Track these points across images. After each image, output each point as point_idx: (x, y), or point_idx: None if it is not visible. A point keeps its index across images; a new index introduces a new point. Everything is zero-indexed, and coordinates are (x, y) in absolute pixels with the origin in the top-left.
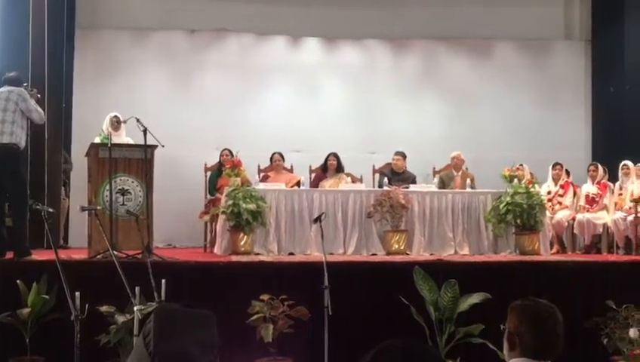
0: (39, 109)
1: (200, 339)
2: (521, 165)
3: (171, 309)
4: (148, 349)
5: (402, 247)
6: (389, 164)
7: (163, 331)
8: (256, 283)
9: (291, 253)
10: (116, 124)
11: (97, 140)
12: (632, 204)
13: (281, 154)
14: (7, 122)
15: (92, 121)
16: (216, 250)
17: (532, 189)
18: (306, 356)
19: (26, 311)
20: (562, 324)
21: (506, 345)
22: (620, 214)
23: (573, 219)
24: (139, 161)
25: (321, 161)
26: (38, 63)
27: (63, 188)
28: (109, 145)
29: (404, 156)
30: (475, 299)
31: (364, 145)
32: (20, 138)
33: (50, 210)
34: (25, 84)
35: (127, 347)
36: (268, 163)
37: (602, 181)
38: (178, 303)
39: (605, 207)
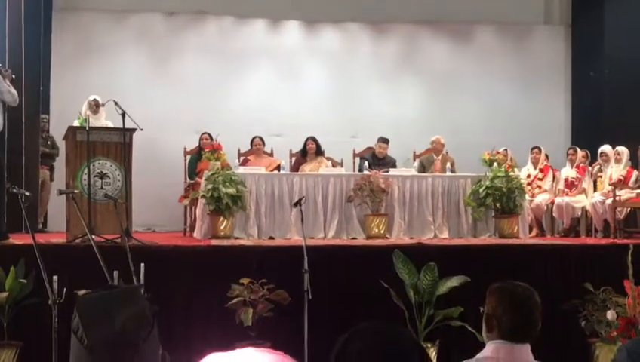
0: (12, 90)
1: (131, 315)
2: (506, 150)
3: (91, 297)
4: (83, 344)
5: (382, 231)
6: (369, 148)
7: (90, 321)
8: (236, 267)
9: (271, 237)
10: (95, 107)
11: (76, 123)
12: (610, 188)
13: (261, 138)
14: None
15: (70, 104)
16: (195, 234)
17: (511, 173)
18: (285, 340)
19: (4, 295)
20: (540, 306)
21: (484, 327)
22: (598, 198)
23: (552, 202)
24: (117, 144)
25: (301, 145)
26: (15, 46)
27: (49, 172)
28: (87, 128)
29: (387, 142)
30: (454, 282)
31: (344, 130)
32: None
33: (27, 193)
34: (0, 65)
35: None
36: (248, 147)
37: (581, 165)
38: (109, 289)
39: (584, 191)
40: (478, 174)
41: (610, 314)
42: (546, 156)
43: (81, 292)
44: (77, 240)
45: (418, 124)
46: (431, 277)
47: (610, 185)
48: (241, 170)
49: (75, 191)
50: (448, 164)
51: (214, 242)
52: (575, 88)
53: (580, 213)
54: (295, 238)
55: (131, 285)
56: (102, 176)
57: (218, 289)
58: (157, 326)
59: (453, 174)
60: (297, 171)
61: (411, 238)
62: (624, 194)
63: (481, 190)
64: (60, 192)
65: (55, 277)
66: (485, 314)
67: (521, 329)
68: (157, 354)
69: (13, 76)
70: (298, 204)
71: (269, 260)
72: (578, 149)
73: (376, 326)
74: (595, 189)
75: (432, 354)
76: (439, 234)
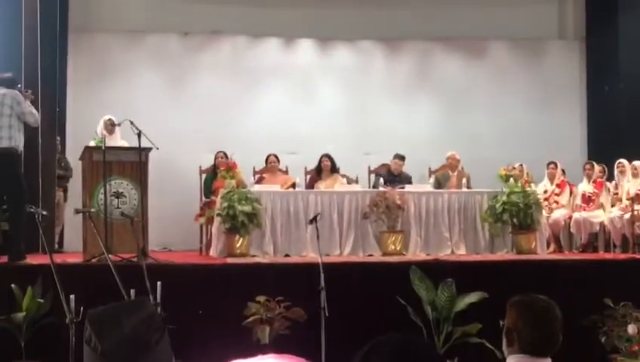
0: (34, 111)
1: (140, 319)
2: (521, 165)
3: (101, 309)
4: (97, 352)
5: (398, 248)
6: (384, 165)
7: (102, 329)
8: (252, 285)
9: (287, 255)
10: (110, 126)
11: (92, 144)
12: (628, 202)
13: (276, 156)
14: (4, 127)
15: (86, 125)
16: (211, 252)
17: (528, 189)
18: (302, 357)
19: (21, 315)
20: (561, 320)
21: (504, 341)
22: (616, 212)
23: (570, 217)
24: (133, 163)
25: (316, 163)
26: (31, 67)
27: (63, 193)
28: (104, 148)
29: (403, 159)
30: (472, 298)
31: (358, 146)
32: (19, 142)
33: (44, 212)
34: (19, 85)
35: None
36: (263, 165)
37: (598, 180)
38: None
39: (602, 206)
40: (495, 190)
41: (631, 329)
42: (563, 171)
43: None
44: (94, 260)
45: (433, 141)
46: (448, 294)
47: (627, 199)
48: (257, 187)
49: (92, 210)
50: (464, 180)
51: (230, 260)
52: (590, 102)
53: (597, 228)
54: (311, 256)
55: (138, 297)
56: (118, 195)
57: (234, 308)
58: (169, 338)
59: (469, 190)
60: (312, 189)
61: (428, 255)
62: None
63: (497, 206)
64: (77, 211)
65: (72, 297)
66: (506, 327)
67: (542, 342)
68: (170, 360)
69: (33, 97)
70: (313, 220)
71: (285, 278)
72: (595, 164)
73: (397, 338)
74: (612, 204)
75: None
76: (456, 251)
